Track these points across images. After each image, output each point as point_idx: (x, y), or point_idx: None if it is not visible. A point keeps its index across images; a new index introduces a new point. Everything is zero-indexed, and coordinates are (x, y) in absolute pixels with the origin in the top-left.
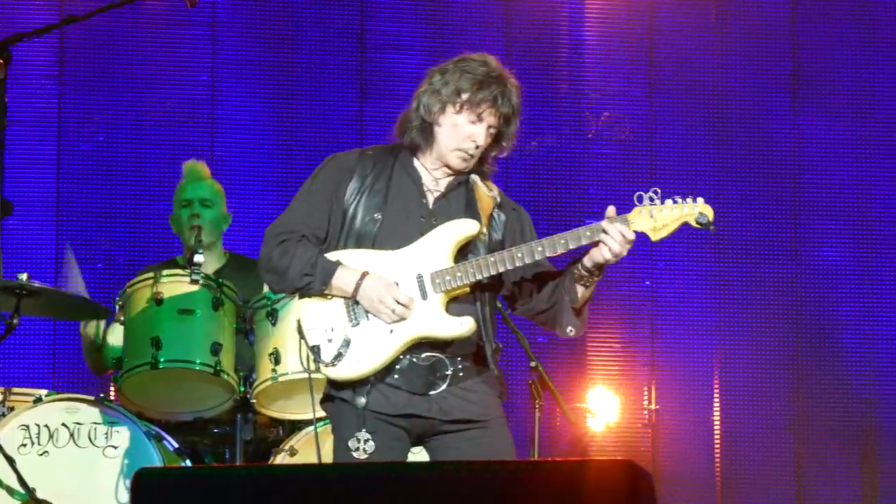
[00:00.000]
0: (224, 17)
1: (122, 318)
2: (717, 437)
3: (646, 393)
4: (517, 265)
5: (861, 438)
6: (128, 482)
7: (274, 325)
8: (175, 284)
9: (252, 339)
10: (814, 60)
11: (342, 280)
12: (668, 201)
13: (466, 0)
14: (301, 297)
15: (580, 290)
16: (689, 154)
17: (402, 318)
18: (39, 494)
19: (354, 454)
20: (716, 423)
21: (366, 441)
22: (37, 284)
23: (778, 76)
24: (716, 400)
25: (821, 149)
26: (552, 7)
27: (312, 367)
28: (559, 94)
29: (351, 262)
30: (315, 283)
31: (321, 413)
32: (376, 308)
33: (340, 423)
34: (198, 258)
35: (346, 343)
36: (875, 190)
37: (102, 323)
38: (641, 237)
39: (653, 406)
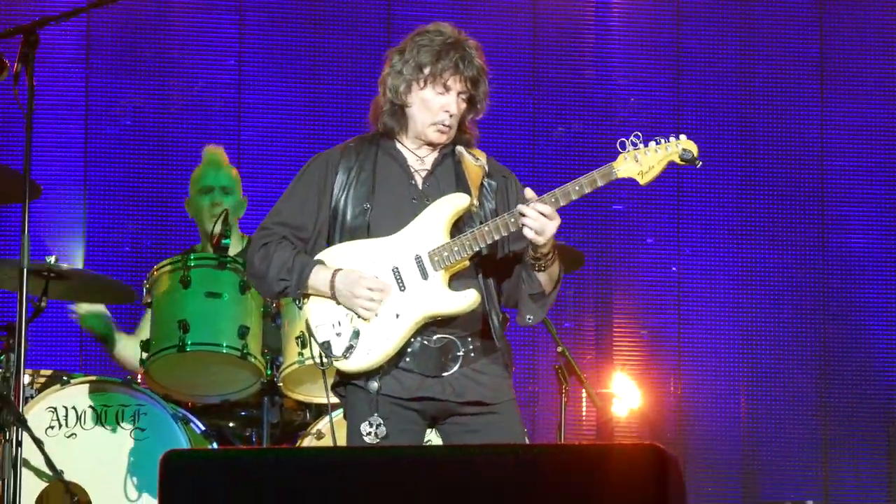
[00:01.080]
0: (251, 1)
1: (149, 300)
2: (743, 422)
3: (672, 379)
4: (499, 237)
5: (887, 423)
6: (154, 465)
7: (301, 308)
8: (202, 268)
9: (279, 322)
10: (841, 45)
11: (317, 281)
12: (652, 143)
13: None
14: (284, 299)
15: (539, 276)
16: (716, 141)
17: (375, 308)
18: (67, 476)
19: (366, 439)
20: (742, 408)
21: (378, 426)
22: (65, 267)
23: (805, 61)
24: (741, 386)
25: (847, 134)
26: None
27: (325, 362)
28: (585, 80)
29: (339, 257)
30: (291, 287)
31: (335, 400)
32: (351, 303)
33: (353, 409)
34: (226, 241)
35: (356, 335)
36: None
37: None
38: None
39: (679, 391)
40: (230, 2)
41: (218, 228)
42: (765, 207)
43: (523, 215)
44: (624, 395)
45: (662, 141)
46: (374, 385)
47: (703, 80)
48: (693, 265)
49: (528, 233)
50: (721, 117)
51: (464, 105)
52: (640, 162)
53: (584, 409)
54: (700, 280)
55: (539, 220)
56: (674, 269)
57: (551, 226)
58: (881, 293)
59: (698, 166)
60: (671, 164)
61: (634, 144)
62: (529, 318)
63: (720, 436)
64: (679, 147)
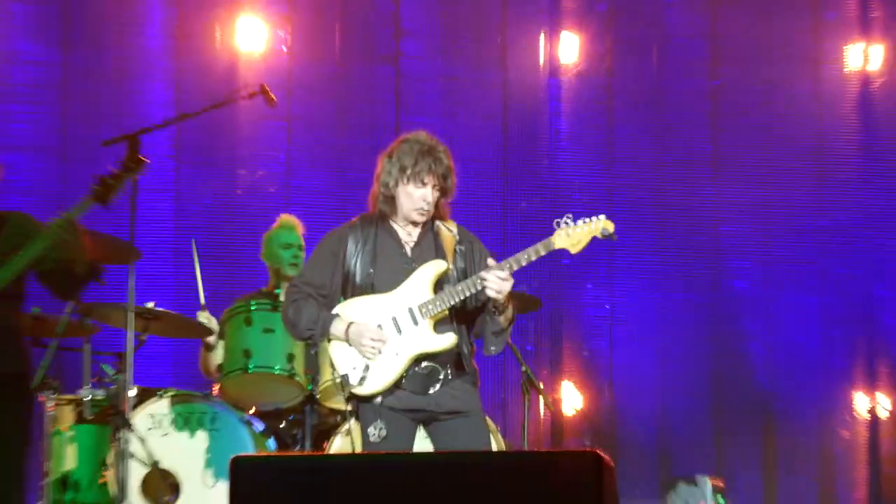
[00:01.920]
0: (298, 110)
1: (222, 335)
2: (657, 418)
3: (605, 387)
4: (469, 293)
5: (763, 418)
6: (227, 457)
7: (330, 342)
8: (260, 311)
9: (315, 350)
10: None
11: (336, 330)
12: (580, 221)
13: None
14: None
15: (499, 318)
16: (639, 212)
17: (375, 354)
18: (162, 465)
19: (371, 438)
20: (657, 408)
21: (380, 429)
22: (160, 310)
23: (701, 156)
24: (657, 391)
25: (735, 207)
26: None
27: (345, 389)
28: (542, 167)
29: (351, 311)
30: (316, 335)
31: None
32: (360, 347)
33: (363, 416)
34: (278, 292)
35: (366, 368)
36: (777, 238)
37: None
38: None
39: (611, 396)
40: (280, 119)
41: (289, 274)
42: (673, 261)
43: (485, 279)
44: (570, 400)
45: (588, 220)
46: (379, 400)
47: (628, 170)
48: (622, 303)
49: (489, 292)
50: (640, 196)
51: (437, 193)
52: (571, 236)
53: (541, 411)
54: (627, 314)
55: (497, 283)
56: (607, 306)
57: (507, 286)
58: (759, 323)
59: (614, 240)
60: (594, 239)
61: (567, 224)
62: (493, 349)
63: (641, 429)
64: (600, 226)
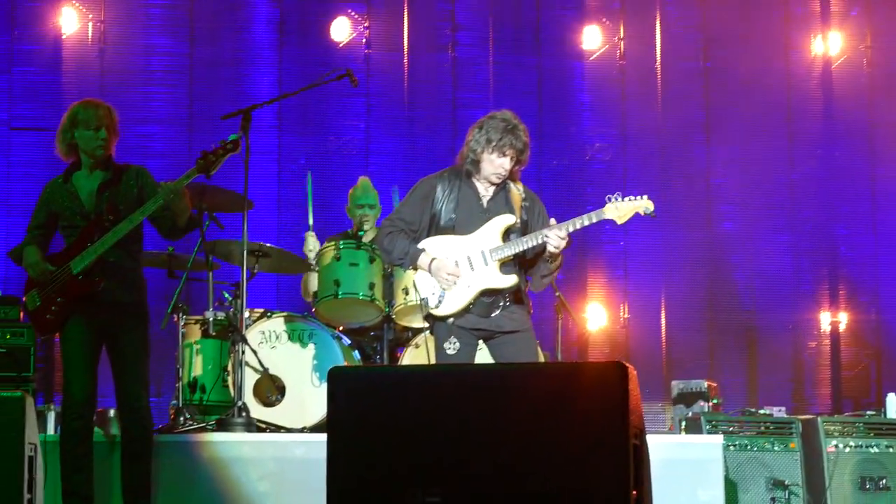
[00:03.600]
0: (375, 89)
1: (317, 267)
2: (663, 333)
3: (622, 307)
4: (532, 245)
5: (747, 333)
6: (323, 367)
7: (404, 272)
8: (347, 248)
9: (392, 280)
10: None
11: (421, 262)
12: (627, 199)
13: None
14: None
15: (550, 265)
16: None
17: (450, 286)
18: (271, 371)
19: (448, 351)
20: (662, 325)
21: (454, 343)
22: (268, 247)
23: (695, 124)
24: (663, 311)
25: (729, 163)
26: None
27: (424, 310)
28: (572, 135)
29: (434, 247)
30: (406, 263)
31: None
32: (438, 280)
33: (438, 333)
34: (361, 233)
35: (443, 294)
36: (756, 188)
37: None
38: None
39: (626, 315)
40: (361, 96)
41: (360, 226)
42: (675, 206)
43: (547, 236)
44: (594, 319)
45: (633, 198)
46: (451, 320)
47: (638, 134)
48: (634, 241)
49: (550, 247)
50: (648, 155)
51: (513, 163)
52: (619, 209)
53: (571, 327)
54: (639, 252)
55: (557, 240)
56: (622, 243)
57: (563, 243)
58: (743, 256)
59: (653, 217)
60: (636, 214)
61: (616, 199)
62: (538, 288)
63: (650, 342)
64: (643, 204)
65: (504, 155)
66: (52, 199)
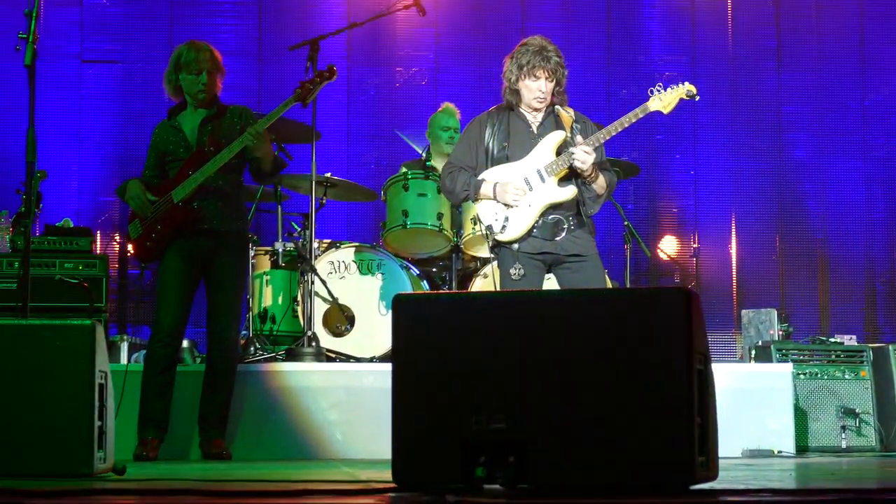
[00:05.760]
0: (443, 20)
1: (385, 197)
2: (734, 263)
3: (692, 237)
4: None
5: (817, 261)
6: (391, 295)
7: (473, 202)
8: (416, 179)
9: (460, 210)
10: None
11: (485, 190)
12: (668, 88)
13: None
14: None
15: (592, 185)
16: (720, 93)
17: (519, 200)
18: (340, 301)
19: (514, 277)
20: (733, 256)
21: (519, 269)
22: (336, 178)
23: (767, 51)
24: (733, 242)
25: (801, 88)
26: None
27: (489, 236)
28: (636, 60)
29: (493, 176)
30: (470, 195)
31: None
32: (505, 199)
33: (503, 260)
34: (430, 163)
35: (506, 220)
36: (828, 115)
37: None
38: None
39: (696, 245)
40: (429, 26)
41: (445, 152)
42: (745, 135)
43: (573, 153)
44: (664, 248)
45: (674, 86)
46: (516, 246)
47: (709, 63)
48: (704, 170)
49: (575, 163)
50: (719, 84)
51: (551, 84)
52: (663, 99)
53: (639, 256)
54: (709, 181)
55: (582, 155)
56: (692, 172)
57: (590, 158)
58: (815, 185)
59: (697, 100)
60: (681, 101)
61: (659, 90)
62: (590, 211)
63: (720, 270)
64: (685, 88)
65: (537, 77)
66: (159, 138)
